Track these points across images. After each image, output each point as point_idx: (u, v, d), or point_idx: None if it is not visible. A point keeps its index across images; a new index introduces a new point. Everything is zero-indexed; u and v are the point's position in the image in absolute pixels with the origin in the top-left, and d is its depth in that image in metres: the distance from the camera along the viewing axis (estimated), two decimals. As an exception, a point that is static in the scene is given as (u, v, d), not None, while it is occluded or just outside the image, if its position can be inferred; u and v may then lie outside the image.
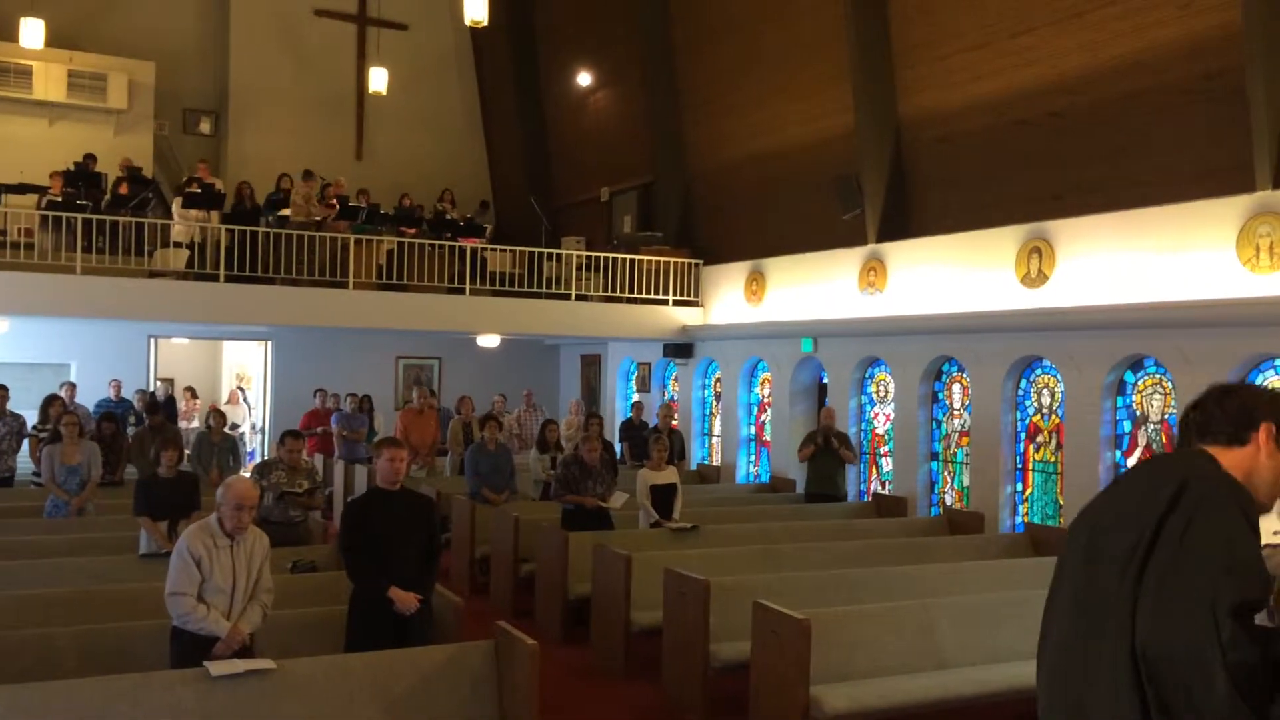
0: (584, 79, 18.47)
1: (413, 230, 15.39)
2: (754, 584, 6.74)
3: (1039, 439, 10.90)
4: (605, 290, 15.55)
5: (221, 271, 13.34)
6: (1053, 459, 10.70)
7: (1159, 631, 2.07)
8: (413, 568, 5.64)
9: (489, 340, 16.38)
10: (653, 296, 15.54)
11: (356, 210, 15.34)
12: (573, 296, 15.35)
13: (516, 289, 15.07)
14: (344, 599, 5.79)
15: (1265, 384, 8.82)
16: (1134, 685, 2.10)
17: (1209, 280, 8.88)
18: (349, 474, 13.16)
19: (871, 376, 13.07)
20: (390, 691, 4.96)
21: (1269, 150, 8.74)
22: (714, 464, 15.25)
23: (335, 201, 15.18)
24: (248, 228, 13.71)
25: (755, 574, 7.33)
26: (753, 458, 14.95)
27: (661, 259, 15.64)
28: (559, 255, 15.89)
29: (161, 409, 13.11)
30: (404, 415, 13.52)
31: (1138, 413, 9.85)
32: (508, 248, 15.78)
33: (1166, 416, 9.59)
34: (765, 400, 14.74)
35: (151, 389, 15.87)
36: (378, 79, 16.90)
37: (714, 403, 15.90)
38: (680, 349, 15.81)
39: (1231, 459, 2.31)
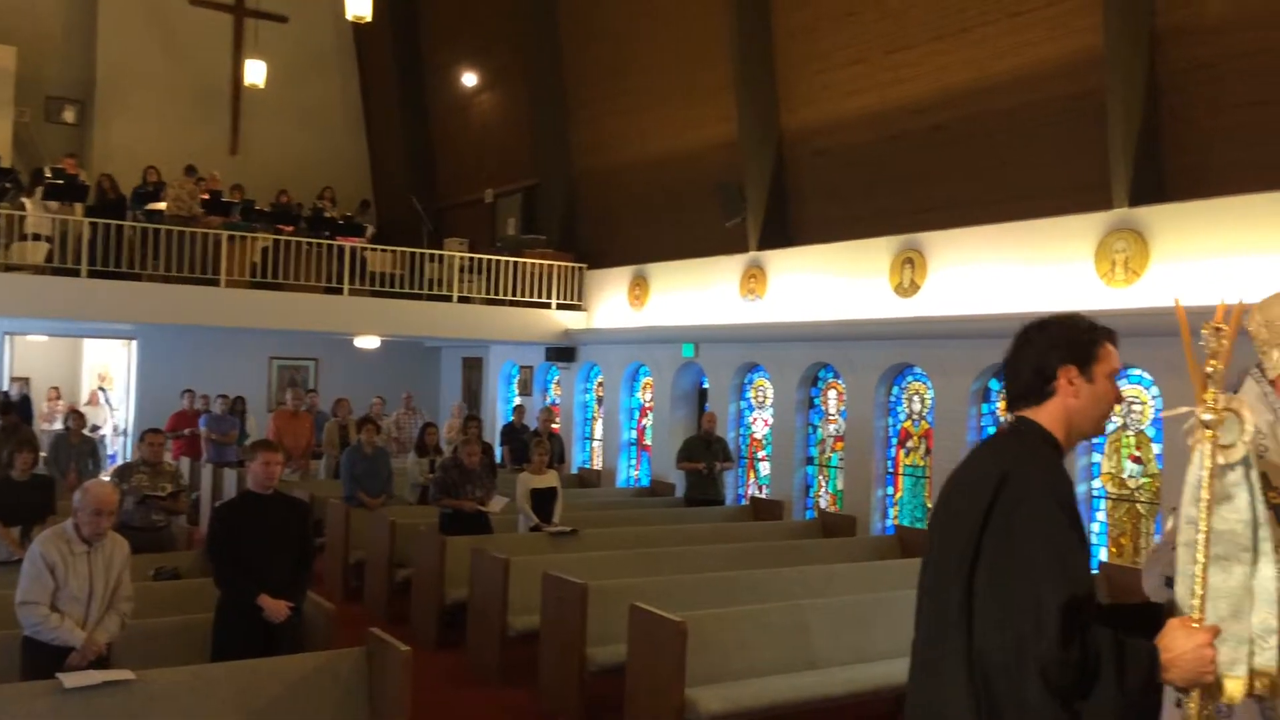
0: (469, 79, 18.30)
1: (289, 228, 15.01)
2: (632, 587, 6.77)
3: (909, 444, 11.24)
4: (488, 292, 15.43)
5: (84, 266, 12.78)
6: (922, 463, 11.05)
7: (988, 632, 2.13)
8: (284, 574, 5.51)
9: (368, 341, 16.08)
10: (536, 300, 15.49)
11: (230, 206, 14.88)
12: (455, 298, 15.19)
13: (397, 290, 14.82)
14: (210, 607, 5.61)
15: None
16: (969, 681, 2.16)
17: (1068, 292, 9.29)
18: (218, 478, 12.75)
19: (751, 382, 13.28)
20: (256, 701, 4.82)
21: (1125, 170, 9.20)
22: (595, 468, 15.27)
23: (207, 195, 14.71)
24: (113, 221, 13.18)
25: (634, 577, 7.36)
26: (634, 462, 15.03)
27: (545, 262, 15.60)
28: (441, 256, 15.70)
29: (15, 409, 12.49)
30: (277, 417, 13.16)
31: (1001, 419, 10.24)
32: (388, 248, 15.51)
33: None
34: (647, 404, 14.84)
35: (5, 388, 15.09)
36: (255, 72, 16.44)
37: (596, 406, 15.93)
38: (563, 353, 15.80)
39: (1046, 415, 2.37)
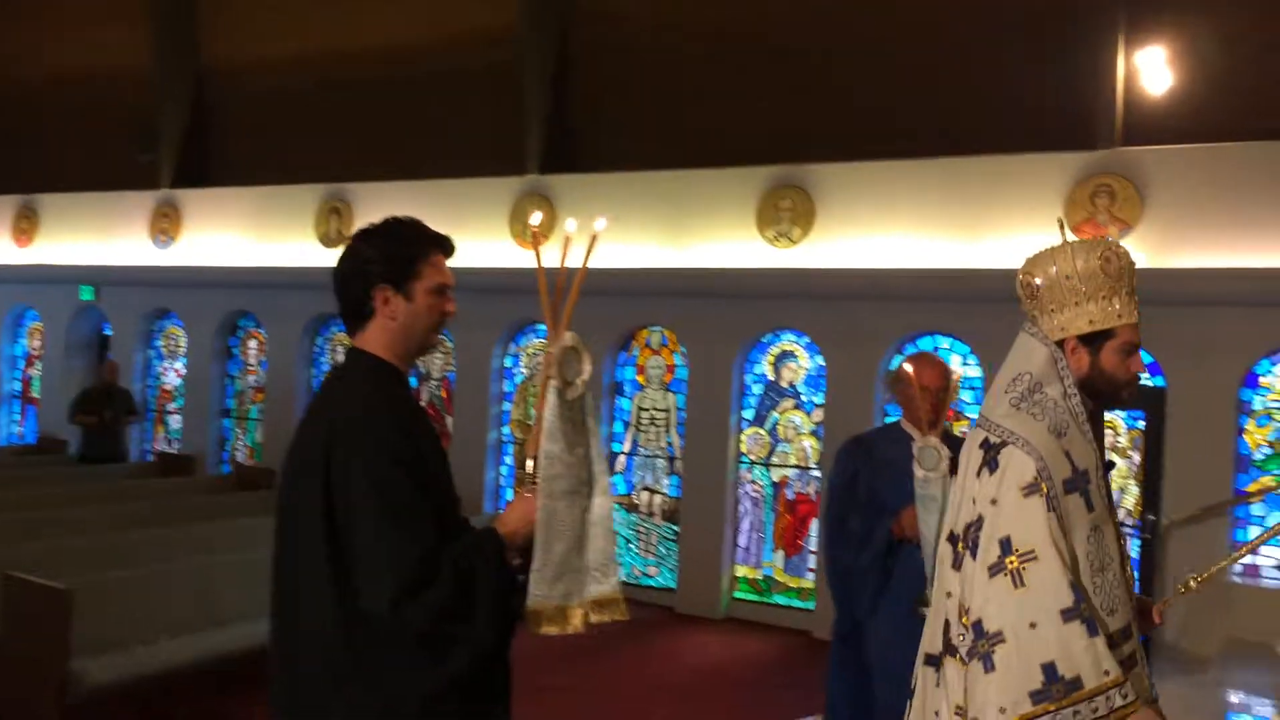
0: None
1: None
2: (9, 558, 5.97)
3: (332, 395, 11.16)
4: None
5: None
6: (345, 415, 11.03)
7: (368, 589, 2.08)
8: None
9: None
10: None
11: None
12: None
13: None
14: None
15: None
16: (338, 640, 2.12)
17: (487, 252, 9.78)
18: None
19: (162, 329, 12.31)
20: None
21: (537, 139, 9.91)
22: (-33, 425, 13.23)
23: None
24: None
25: (12, 546, 6.49)
26: (17, 417, 13.24)
27: (-100, 182, 13.09)
28: None
29: None
30: None
31: (423, 370, 10.57)
32: None
33: (446, 374, 10.43)
34: (34, 353, 13.14)
35: None
36: None
37: (-31, 355, 13.77)
38: (-76, 291, 13.41)
39: (372, 338, 2.29)
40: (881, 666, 3.80)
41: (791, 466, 8.83)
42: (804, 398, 8.84)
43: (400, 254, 2.26)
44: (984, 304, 7.86)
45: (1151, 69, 7.58)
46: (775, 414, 8.94)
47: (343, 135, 11.30)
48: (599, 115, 10.15)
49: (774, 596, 8.80)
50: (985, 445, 2.35)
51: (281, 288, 10.98)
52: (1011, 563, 2.21)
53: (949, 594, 2.37)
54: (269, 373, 11.36)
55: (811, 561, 8.63)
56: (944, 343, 8.29)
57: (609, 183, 9.48)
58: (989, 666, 2.18)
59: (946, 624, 2.37)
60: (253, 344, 11.72)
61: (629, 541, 9.45)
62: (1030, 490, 2.24)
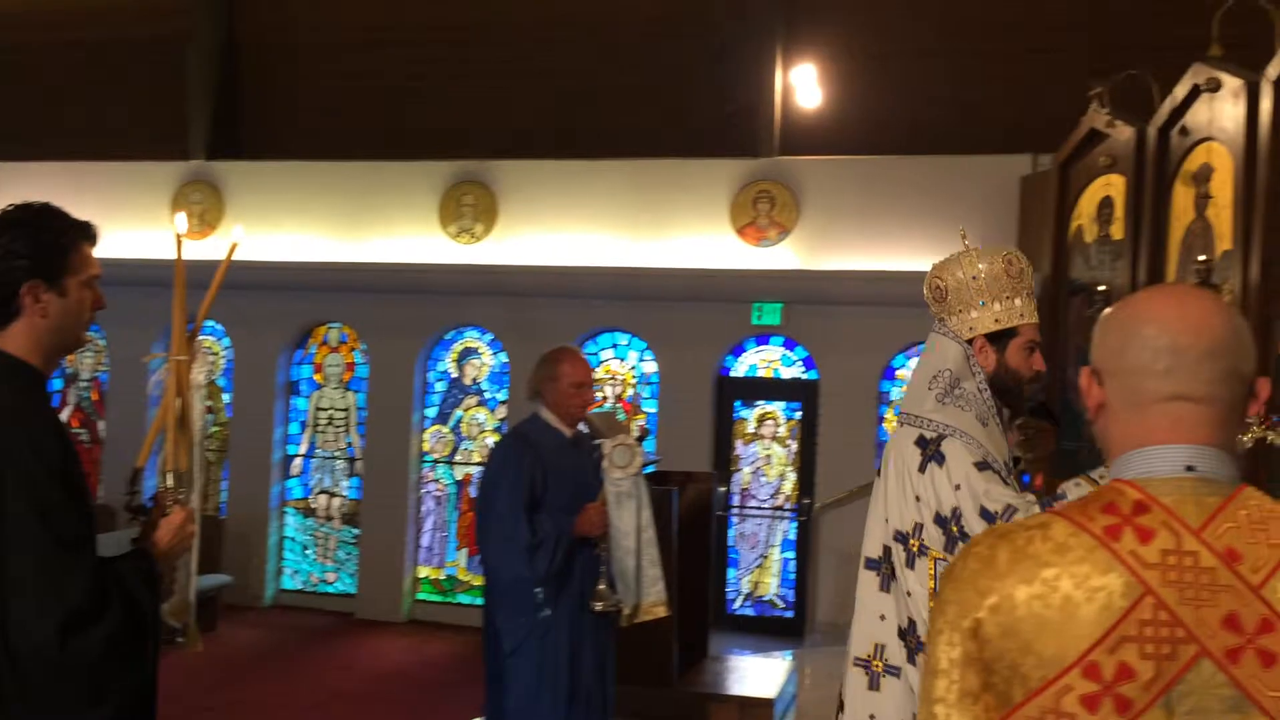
0: None
1: None
2: None
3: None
4: None
5: None
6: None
7: (32, 621, 1.87)
8: None
9: None
10: None
11: None
12: None
13: None
14: None
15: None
16: None
17: (143, 241, 9.02)
18: None
19: None
20: None
21: (203, 122, 9.30)
22: None
23: None
24: None
25: None
26: None
27: None
28: None
29: None
30: None
31: (69, 370, 9.64)
32: None
33: (97, 374, 9.57)
34: None
35: None
36: None
37: None
38: None
39: (14, 339, 2.04)
40: (552, 670, 3.74)
41: (475, 464, 8.81)
42: (487, 395, 8.85)
43: (49, 244, 2.04)
44: (660, 301, 8.21)
45: (805, 84, 8.21)
46: (459, 411, 8.89)
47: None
48: (273, 100, 9.67)
49: (458, 596, 8.75)
50: (921, 442, 2.43)
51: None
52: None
53: (908, 593, 2.40)
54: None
55: (495, 558, 8.65)
56: (623, 339, 8.56)
57: (283, 172, 9.06)
58: None
59: (912, 623, 2.40)
60: None
61: (305, 548, 9.07)
62: (982, 465, 2.36)
